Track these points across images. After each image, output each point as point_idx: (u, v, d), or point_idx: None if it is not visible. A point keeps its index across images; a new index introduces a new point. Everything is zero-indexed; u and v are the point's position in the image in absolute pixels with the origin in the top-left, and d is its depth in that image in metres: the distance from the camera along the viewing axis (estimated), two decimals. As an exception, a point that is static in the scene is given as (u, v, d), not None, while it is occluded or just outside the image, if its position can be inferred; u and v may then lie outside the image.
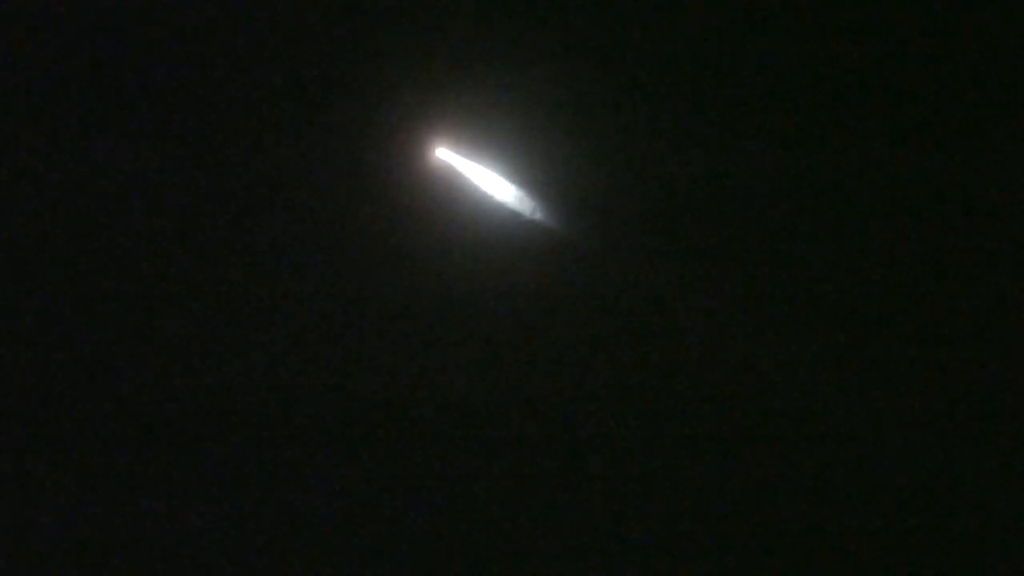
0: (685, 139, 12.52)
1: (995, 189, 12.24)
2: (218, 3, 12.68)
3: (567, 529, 12.38)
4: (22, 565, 12.40)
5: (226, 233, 12.69)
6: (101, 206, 12.68)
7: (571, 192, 12.50)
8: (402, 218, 12.50)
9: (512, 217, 12.50)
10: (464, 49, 12.55)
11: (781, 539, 12.19)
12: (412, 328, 12.56)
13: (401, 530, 12.46)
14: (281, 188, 12.64)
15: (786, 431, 12.27)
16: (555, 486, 12.41)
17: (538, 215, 12.42)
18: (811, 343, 12.33)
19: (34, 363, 12.65)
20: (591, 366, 12.48)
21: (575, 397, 12.46)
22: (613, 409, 12.43)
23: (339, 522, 12.47)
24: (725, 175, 12.45)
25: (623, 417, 12.40)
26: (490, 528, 12.38)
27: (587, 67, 12.56)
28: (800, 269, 12.40)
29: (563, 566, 12.33)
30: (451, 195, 12.54)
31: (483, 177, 12.54)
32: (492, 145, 12.51)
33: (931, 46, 12.40)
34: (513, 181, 12.52)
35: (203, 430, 12.54)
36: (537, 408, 12.45)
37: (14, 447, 12.54)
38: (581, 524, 12.39)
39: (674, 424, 12.35)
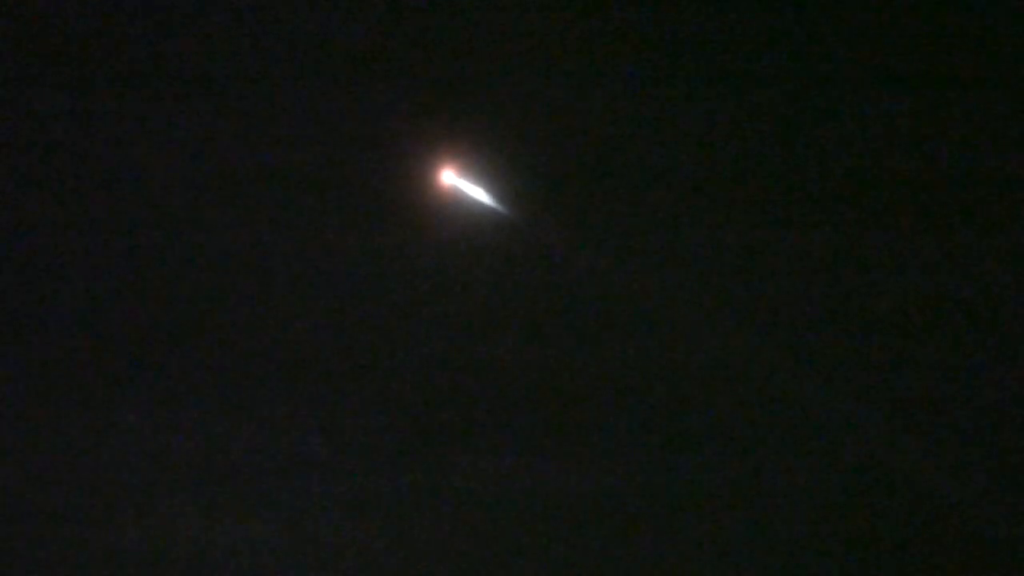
0: (696, 157, 12.57)
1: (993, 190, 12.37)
2: (229, 21, 12.72)
3: (557, 527, 12.44)
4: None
5: (232, 251, 12.70)
6: (98, 225, 12.73)
7: (579, 215, 12.55)
8: (407, 242, 12.53)
9: (517, 239, 12.51)
10: (472, 71, 12.59)
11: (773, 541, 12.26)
12: (418, 350, 12.59)
13: (393, 527, 12.52)
14: (284, 217, 12.65)
15: (779, 432, 12.35)
16: (556, 492, 12.48)
17: (543, 235, 12.45)
18: (802, 344, 12.41)
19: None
20: (594, 382, 12.52)
21: (579, 415, 12.51)
22: (619, 423, 12.49)
23: (336, 516, 12.55)
24: (735, 193, 12.53)
25: (635, 433, 12.47)
26: (485, 531, 12.43)
27: (599, 89, 12.59)
28: (791, 268, 12.48)
29: (555, 564, 12.39)
30: (457, 219, 12.57)
31: (489, 200, 12.56)
32: (499, 168, 12.54)
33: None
34: (518, 204, 12.54)
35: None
36: (543, 422, 12.53)
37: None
38: (572, 523, 12.45)
39: (682, 434, 12.44)
